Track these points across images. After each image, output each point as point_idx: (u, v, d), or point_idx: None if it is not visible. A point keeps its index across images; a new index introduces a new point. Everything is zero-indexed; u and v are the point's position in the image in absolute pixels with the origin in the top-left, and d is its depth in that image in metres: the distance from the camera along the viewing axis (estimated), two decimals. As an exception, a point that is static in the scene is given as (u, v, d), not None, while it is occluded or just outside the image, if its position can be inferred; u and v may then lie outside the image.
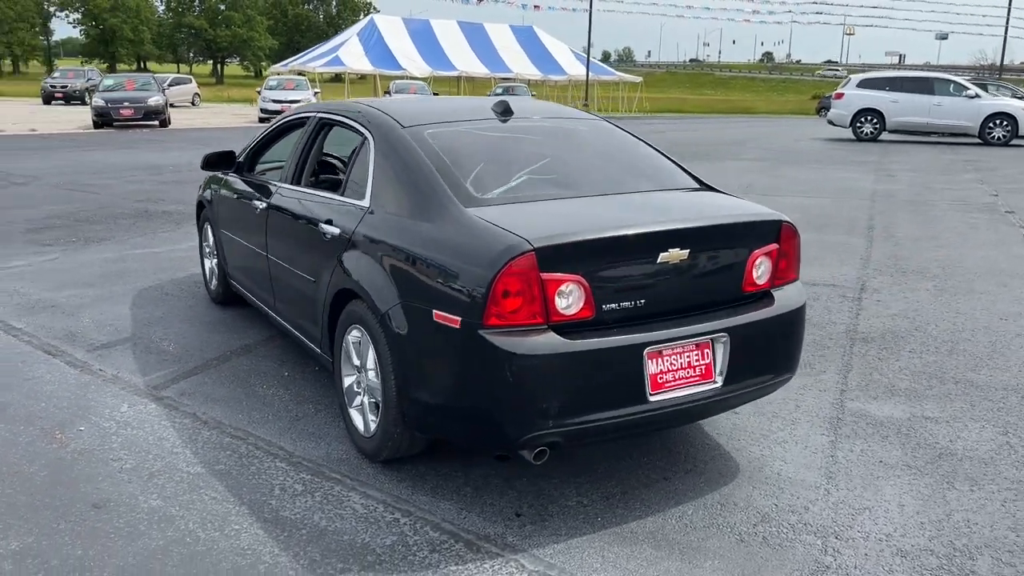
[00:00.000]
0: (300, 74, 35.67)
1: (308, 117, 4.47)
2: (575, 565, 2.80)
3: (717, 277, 3.24)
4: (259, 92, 29.19)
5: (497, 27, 47.21)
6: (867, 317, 5.72)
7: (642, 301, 3.04)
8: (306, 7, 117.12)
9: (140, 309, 5.69)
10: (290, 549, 2.86)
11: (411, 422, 3.20)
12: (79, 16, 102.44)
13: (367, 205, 3.54)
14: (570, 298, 2.89)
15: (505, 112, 3.94)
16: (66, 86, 37.37)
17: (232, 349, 4.91)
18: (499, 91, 33.05)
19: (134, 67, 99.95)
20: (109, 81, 25.69)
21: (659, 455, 3.62)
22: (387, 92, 33.36)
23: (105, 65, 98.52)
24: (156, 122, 24.19)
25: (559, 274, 2.86)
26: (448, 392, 3.00)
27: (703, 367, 3.13)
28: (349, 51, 40.00)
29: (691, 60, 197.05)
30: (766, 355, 3.32)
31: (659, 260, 3.03)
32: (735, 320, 3.19)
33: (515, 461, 3.48)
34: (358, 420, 3.56)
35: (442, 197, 3.21)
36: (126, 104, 23.25)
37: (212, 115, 34.39)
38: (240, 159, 5.14)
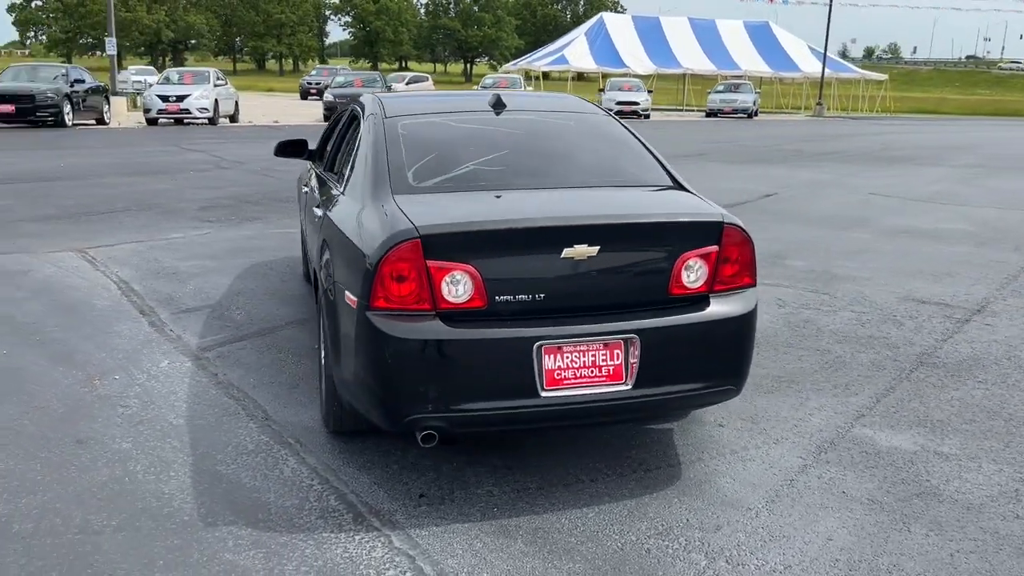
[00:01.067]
0: (528, 74, 36.82)
1: (351, 107, 4.77)
2: (439, 549, 2.85)
3: (636, 277, 3.12)
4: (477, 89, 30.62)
5: (730, 23, 45.87)
6: (958, 342, 5.10)
7: (542, 296, 3.00)
8: (555, 7, 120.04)
9: (239, 281, 6.31)
10: (201, 498, 3.15)
11: (339, 395, 3.38)
12: (349, 19, 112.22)
13: (342, 189, 3.76)
14: (459, 287, 2.93)
15: (497, 105, 3.99)
16: (319, 83, 41.12)
17: (287, 322, 5.34)
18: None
19: (396, 66, 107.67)
20: (341, 79, 28.04)
21: (609, 456, 3.52)
22: (601, 90, 33.59)
23: (368, 64, 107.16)
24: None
25: (447, 262, 2.91)
26: (349, 369, 3.15)
27: (611, 368, 3.03)
28: (574, 50, 40.65)
29: (967, 57, 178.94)
30: (690, 362, 3.14)
31: (563, 256, 2.97)
32: (649, 322, 3.05)
33: (465, 447, 3.55)
34: (320, 392, 3.80)
35: (380, 184, 3.35)
36: (349, 99, 25.27)
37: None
38: (312, 148, 5.56)
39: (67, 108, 19.29)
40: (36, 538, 2.85)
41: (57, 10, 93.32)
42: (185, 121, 22.83)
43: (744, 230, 3.24)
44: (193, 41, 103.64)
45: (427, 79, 44.70)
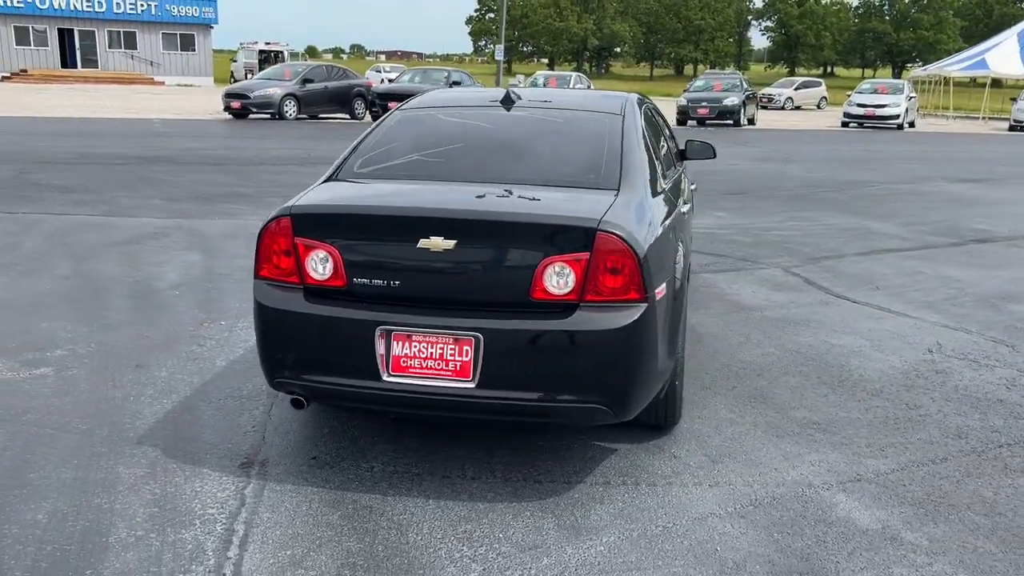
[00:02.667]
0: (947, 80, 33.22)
1: None
2: (268, 502, 3.07)
3: (494, 276, 3.01)
4: (848, 96, 28.31)
5: None
6: (1121, 424, 3.88)
7: (397, 283, 3.06)
8: (1018, 5, 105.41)
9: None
10: (137, 418, 3.75)
11: None
12: (770, 24, 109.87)
13: None
14: (321, 265, 3.12)
15: (506, 101, 4.03)
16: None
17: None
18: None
19: (817, 72, 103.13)
20: (700, 82, 27.85)
21: (519, 462, 3.44)
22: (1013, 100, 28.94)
23: (786, 70, 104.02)
24: (730, 121, 25.47)
25: (313, 241, 3.12)
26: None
27: (459, 363, 3.00)
28: (999, 53, 35.50)
29: None
30: (547, 372, 2.95)
31: (419, 246, 3.01)
32: (499, 324, 2.96)
33: (421, 428, 3.72)
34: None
35: (332, 168, 3.65)
36: (703, 104, 25.09)
37: (820, 117, 34.47)
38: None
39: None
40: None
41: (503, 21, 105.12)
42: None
43: (625, 239, 2.94)
44: (617, 48, 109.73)
45: (820, 84, 42.13)
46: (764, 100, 36.46)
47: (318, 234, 3.11)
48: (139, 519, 2.94)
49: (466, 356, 2.99)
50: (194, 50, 47.39)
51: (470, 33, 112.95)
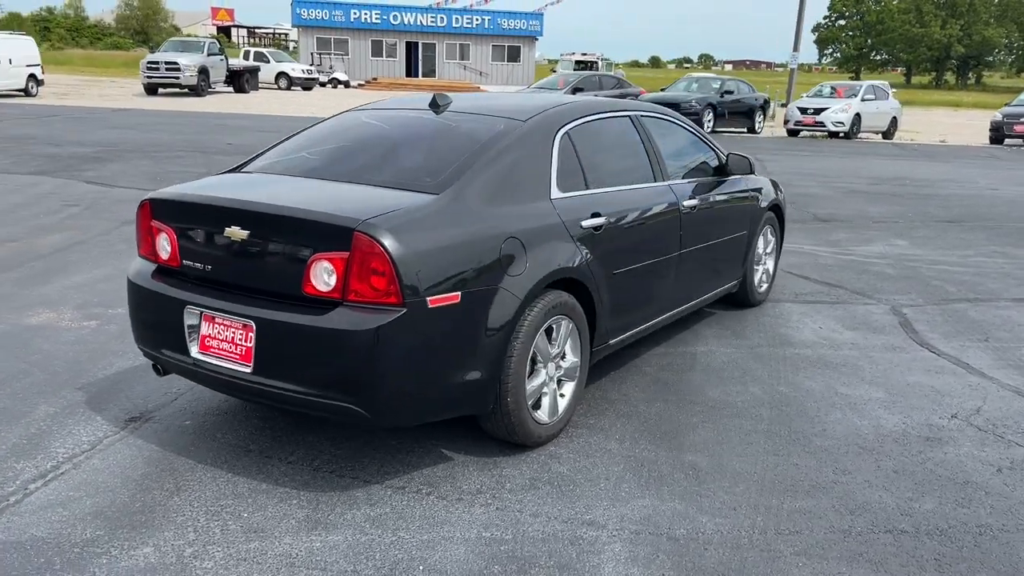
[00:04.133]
0: None
1: None
2: (103, 453, 3.49)
3: (277, 267, 3.14)
4: None
5: None
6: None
7: (209, 267, 3.32)
8: None
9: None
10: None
11: None
12: None
13: None
14: (165, 247, 3.48)
15: (433, 105, 4.08)
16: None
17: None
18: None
19: None
20: (1026, 97, 24.03)
21: (430, 475, 3.53)
22: None
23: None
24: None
25: (160, 224, 3.49)
26: None
27: (245, 348, 3.19)
28: None
29: None
30: (306, 366, 3.05)
31: (224, 234, 3.24)
32: (268, 313, 3.10)
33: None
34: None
35: (239, 163, 4.00)
36: (1020, 120, 21.60)
37: None
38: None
39: (708, 116, 21.35)
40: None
41: (856, 27, 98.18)
42: (817, 134, 23.03)
43: (381, 241, 2.90)
44: (990, 57, 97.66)
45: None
46: None
47: (163, 219, 3.47)
48: (6, 444, 3.51)
49: (249, 342, 3.16)
50: (519, 61, 50.69)
51: (815, 41, 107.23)
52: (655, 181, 4.47)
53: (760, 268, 5.89)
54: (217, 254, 3.31)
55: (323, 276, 3.03)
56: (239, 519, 3.02)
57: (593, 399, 4.19)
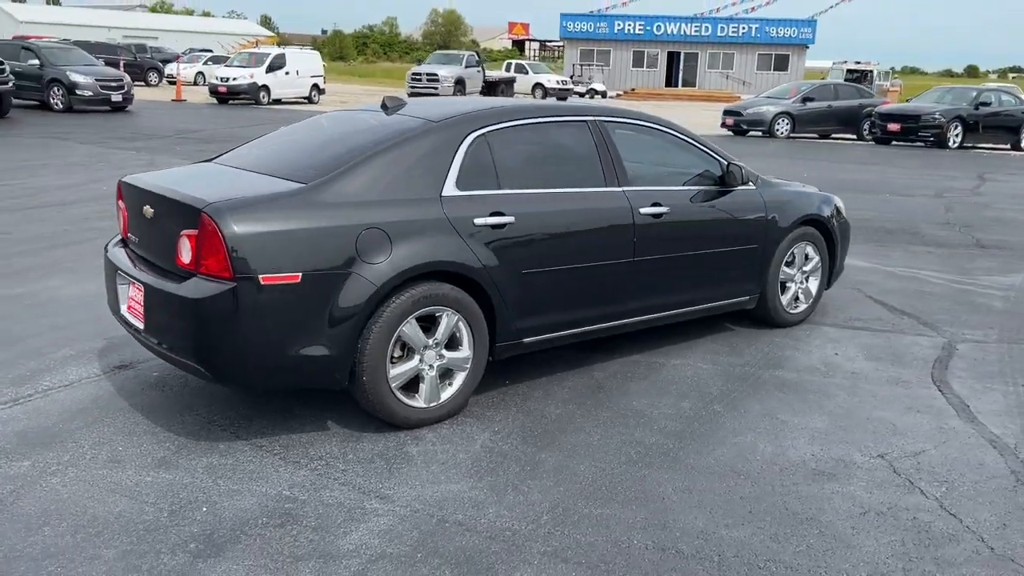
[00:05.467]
0: None
1: None
2: (74, 393, 4.25)
3: (166, 242, 3.67)
4: None
5: None
6: None
7: (136, 239, 3.96)
8: None
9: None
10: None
11: None
12: None
13: None
14: (121, 222, 4.16)
15: (383, 107, 4.43)
16: None
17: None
18: None
19: None
20: None
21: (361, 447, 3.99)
22: None
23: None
24: None
25: (121, 203, 4.18)
26: None
27: (141, 308, 3.77)
28: None
29: None
30: (171, 329, 3.58)
31: (143, 212, 3.85)
32: (151, 279, 3.66)
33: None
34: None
35: (215, 155, 4.60)
36: None
37: None
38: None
39: (956, 129, 19.26)
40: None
41: None
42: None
43: (217, 221, 3.32)
44: None
45: None
46: None
47: (123, 198, 4.16)
48: (16, 373, 4.38)
49: (142, 303, 3.74)
50: (786, 70, 48.50)
51: None
52: (605, 186, 4.45)
53: (794, 286, 5.53)
54: (142, 229, 3.93)
55: (185, 250, 3.51)
56: (114, 450, 3.59)
57: (510, 394, 4.30)
